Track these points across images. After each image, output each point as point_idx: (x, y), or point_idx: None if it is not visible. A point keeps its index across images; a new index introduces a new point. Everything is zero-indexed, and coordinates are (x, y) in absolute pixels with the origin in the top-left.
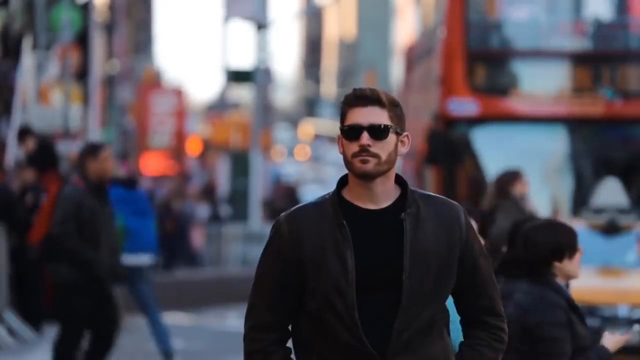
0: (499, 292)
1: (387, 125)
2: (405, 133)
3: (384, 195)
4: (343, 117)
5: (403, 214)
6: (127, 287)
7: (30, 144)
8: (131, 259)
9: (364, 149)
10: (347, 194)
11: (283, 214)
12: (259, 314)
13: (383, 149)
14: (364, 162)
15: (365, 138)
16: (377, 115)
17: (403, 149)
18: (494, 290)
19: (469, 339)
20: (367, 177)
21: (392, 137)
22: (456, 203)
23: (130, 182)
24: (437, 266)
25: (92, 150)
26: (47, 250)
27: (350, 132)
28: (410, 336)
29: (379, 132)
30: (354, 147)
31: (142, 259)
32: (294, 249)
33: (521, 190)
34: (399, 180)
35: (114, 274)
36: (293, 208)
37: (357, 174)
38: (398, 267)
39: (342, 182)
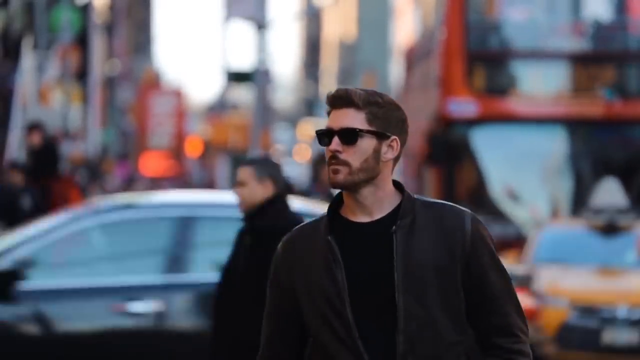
0: (519, 310)
1: (356, 129)
2: (392, 137)
3: (377, 205)
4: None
5: (394, 226)
6: None
7: (36, 138)
8: None
9: (333, 156)
10: (342, 208)
11: (284, 238)
12: (263, 346)
13: (355, 155)
14: (335, 172)
15: (334, 143)
16: (350, 118)
17: (389, 155)
18: (510, 309)
19: None
20: (341, 189)
21: (367, 141)
22: (465, 210)
23: None
24: (439, 280)
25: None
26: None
27: (321, 138)
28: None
29: (347, 137)
30: (327, 154)
31: None
32: (287, 277)
33: None
34: (399, 188)
35: None
36: (292, 230)
37: (331, 186)
38: (390, 284)
39: (340, 196)
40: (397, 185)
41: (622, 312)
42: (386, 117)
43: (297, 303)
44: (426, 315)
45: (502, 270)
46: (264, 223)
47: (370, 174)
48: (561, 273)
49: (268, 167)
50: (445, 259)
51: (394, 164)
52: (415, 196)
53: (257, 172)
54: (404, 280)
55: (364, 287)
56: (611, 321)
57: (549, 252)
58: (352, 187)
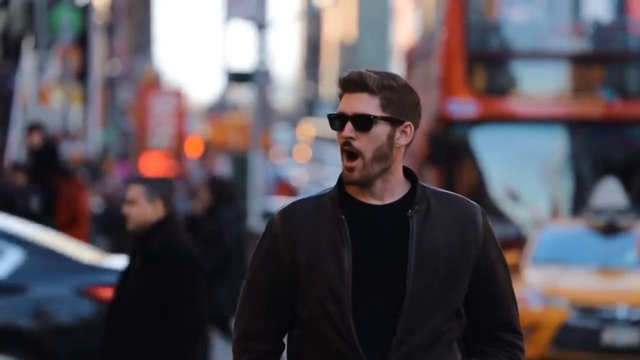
0: (516, 304)
1: (371, 116)
2: (407, 122)
3: (388, 192)
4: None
5: (410, 210)
6: None
7: (36, 138)
8: None
9: (346, 142)
10: (349, 188)
11: (278, 209)
12: (249, 321)
13: (369, 142)
14: (350, 170)
15: (347, 129)
16: (364, 103)
17: (402, 140)
18: (512, 304)
19: (481, 356)
20: (356, 186)
21: (381, 128)
22: (474, 203)
23: None
24: (446, 270)
25: None
26: None
27: (334, 123)
28: (411, 349)
29: (360, 123)
30: (340, 139)
31: None
32: (288, 250)
33: None
34: (409, 174)
35: None
36: (289, 202)
37: (346, 183)
38: (401, 269)
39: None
40: (406, 171)
41: (622, 312)
42: (400, 101)
43: (294, 278)
44: (429, 304)
45: (506, 265)
46: (153, 245)
47: (383, 165)
48: (561, 273)
49: (159, 187)
50: (456, 251)
51: (406, 148)
52: (424, 184)
53: (147, 191)
54: (416, 267)
55: (370, 270)
56: (611, 321)
57: (549, 252)
58: (367, 183)
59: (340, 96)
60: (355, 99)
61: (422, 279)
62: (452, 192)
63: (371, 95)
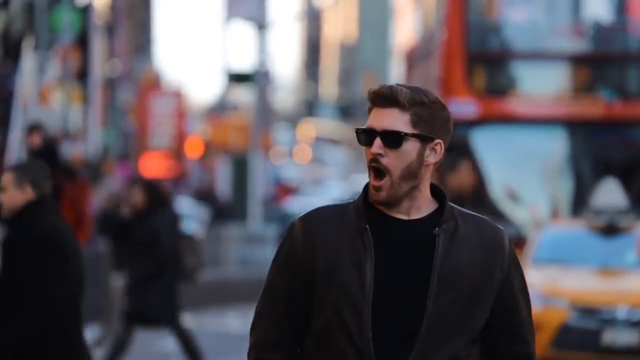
0: (534, 336)
1: (401, 133)
2: (437, 140)
3: (415, 208)
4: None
5: (437, 229)
6: None
7: (36, 139)
8: None
9: (374, 159)
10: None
11: (299, 215)
12: (265, 328)
13: (398, 160)
14: (377, 189)
15: (376, 146)
16: (394, 119)
17: (432, 158)
18: (530, 334)
19: None
20: (383, 205)
21: (411, 145)
22: (500, 227)
23: None
24: (470, 292)
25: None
26: None
27: (361, 137)
28: None
29: (390, 140)
30: (368, 155)
31: None
32: (307, 256)
33: None
34: (437, 192)
35: None
36: (312, 209)
37: (372, 202)
38: (423, 288)
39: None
40: (434, 189)
41: (622, 312)
42: (432, 118)
43: (311, 286)
44: (449, 326)
45: (528, 294)
46: (15, 230)
47: (412, 183)
48: (561, 274)
49: (28, 172)
50: (481, 274)
51: (435, 166)
52: (451, 204)
53: (16, 178)
54: (438, 287)
55: (391, 284)
56: (611, 322)
57: (549, 252)
58: (394, 202)
59: (369, 110)
60: (385, 115)
61: (445, 300)
62: (478, 215)
63: (402, 111)
